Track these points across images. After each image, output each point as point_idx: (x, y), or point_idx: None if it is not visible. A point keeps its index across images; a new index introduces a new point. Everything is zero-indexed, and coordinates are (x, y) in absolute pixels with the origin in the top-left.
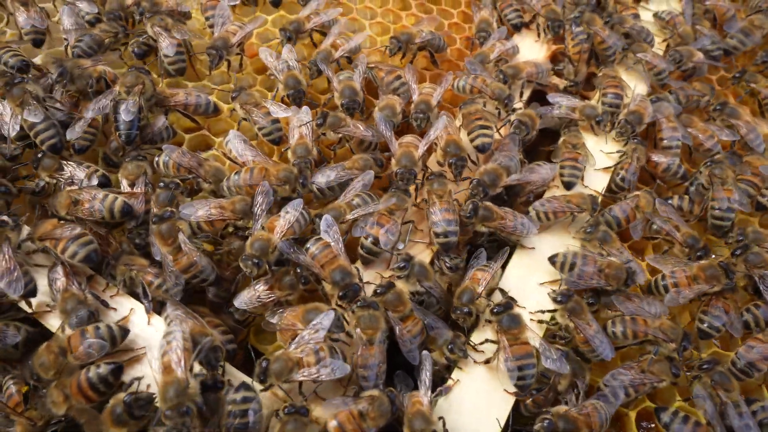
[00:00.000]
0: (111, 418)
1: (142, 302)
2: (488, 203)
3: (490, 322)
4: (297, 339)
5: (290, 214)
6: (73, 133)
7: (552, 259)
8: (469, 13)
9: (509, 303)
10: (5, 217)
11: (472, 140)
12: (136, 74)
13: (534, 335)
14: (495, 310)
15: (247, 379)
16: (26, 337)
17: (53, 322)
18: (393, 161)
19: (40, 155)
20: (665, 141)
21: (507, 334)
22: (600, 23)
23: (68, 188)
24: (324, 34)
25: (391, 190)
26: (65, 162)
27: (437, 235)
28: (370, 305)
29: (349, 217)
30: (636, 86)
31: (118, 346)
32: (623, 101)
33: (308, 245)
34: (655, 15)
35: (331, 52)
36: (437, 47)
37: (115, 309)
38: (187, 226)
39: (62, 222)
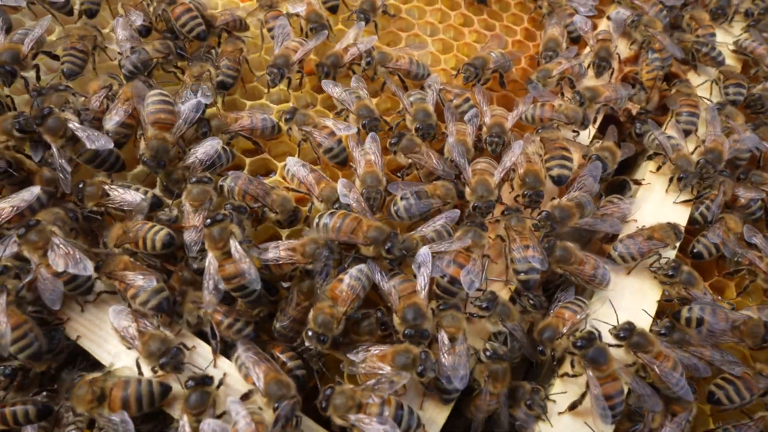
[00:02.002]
0: None
1: (209, 343)
2: (568, 243)
3: (573, 354)
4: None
5: (352, 279)
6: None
7: (676, 316)
8: (532, 30)
9: (592, 334)
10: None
11: (549, 169)
12: (200, 64)
13: (623, 368)
14: (578, 344)
15: None
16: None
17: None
18: (468, 190)
19: (81, 185)
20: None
21: (595, 369)
22: (660, 27)
23: (119, 224)
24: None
25: (466, 224)
26: (110, 187)
27: (518, 272)
28: (451, 306)
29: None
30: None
31: (156, 404)
32: (698, 119)
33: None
34: (735, 43)
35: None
36: (507, 68)
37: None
38: (239, 230)
39: (134, 263)
